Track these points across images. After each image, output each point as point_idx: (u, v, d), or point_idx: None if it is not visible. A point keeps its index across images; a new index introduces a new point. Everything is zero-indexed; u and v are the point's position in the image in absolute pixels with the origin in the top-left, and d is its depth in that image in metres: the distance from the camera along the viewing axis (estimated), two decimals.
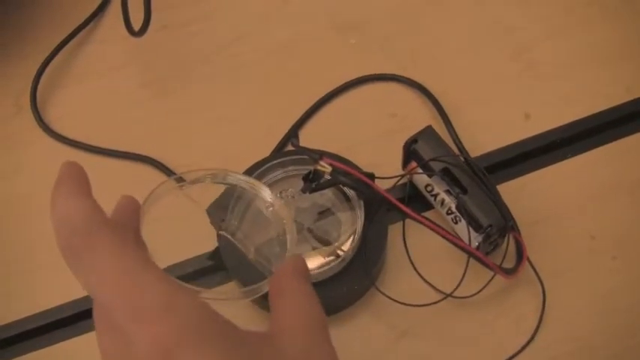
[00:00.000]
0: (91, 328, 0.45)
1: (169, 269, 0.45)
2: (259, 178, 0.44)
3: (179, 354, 0.23)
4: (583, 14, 0.53)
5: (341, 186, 0.43)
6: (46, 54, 0.54)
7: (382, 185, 0.41)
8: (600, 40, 0.52)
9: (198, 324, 0.24)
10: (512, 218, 0.44)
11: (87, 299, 0.46)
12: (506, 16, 0.54)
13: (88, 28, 0.56)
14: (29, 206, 0.50)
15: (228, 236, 0.41)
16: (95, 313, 0.28)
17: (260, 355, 0.26)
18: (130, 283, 0.24)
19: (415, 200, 0.46)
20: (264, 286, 0.33)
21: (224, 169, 0.38)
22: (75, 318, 0.46)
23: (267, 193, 0.38)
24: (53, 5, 0.58)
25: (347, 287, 0.42)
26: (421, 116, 0.50)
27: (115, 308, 0.24)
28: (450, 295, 0.42)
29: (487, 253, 0.44)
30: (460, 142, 0.48)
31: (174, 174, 0.49)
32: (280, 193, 0.44)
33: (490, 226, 0.41)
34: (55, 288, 0.46)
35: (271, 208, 0.39)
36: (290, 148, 0.49)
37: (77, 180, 0.27)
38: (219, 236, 0.43)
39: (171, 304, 0.24)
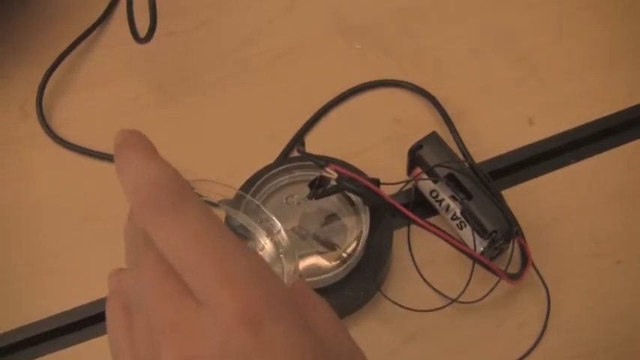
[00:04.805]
0: (98, 333, 0.46)
1: None
2: (265, 183, 0.44)
3: (266, 323, 0.23)
4: (584, 19, 0.54)
5: (346, 192, 0.43)
6: (52, 60, 0.55)
7: (387, 191, 0.41)
8: (603, 45, 0.53)
9: (284, 298, 0.24)
10: (517, 223, 0.44)
11: (94, 304, 0.46)
12: (509, 21, 0.54)
13: (93, 34, 0.57)
14: (36, 212, 0.50)
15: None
16: (146, 278, 0.25)
17: (324, 341, 0.25)
18: (221, 245, 0.24)
19: (420, 206, 0.46)
20: None
21: (243, 194, 0.37)
22: (83, 323, 0.46)
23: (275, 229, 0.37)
24: (58, 11, 0.58)
25: (352, 292, 0.42)
26: (426, 122, 0.50)
27: (201, 269, 0.23)
28: (455, 300, 0.42)
29: (492, 259, 0.44)
30: (465, 148, 0.48)
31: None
32: (286, 199, 0.44)
33: (495, 231, 0.41)
34: (63, 293, 0.47)
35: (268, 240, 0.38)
36: (296, 154, 0.50)
37: (149, 144, 0.27)
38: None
39: (262, 274, 0.24)
